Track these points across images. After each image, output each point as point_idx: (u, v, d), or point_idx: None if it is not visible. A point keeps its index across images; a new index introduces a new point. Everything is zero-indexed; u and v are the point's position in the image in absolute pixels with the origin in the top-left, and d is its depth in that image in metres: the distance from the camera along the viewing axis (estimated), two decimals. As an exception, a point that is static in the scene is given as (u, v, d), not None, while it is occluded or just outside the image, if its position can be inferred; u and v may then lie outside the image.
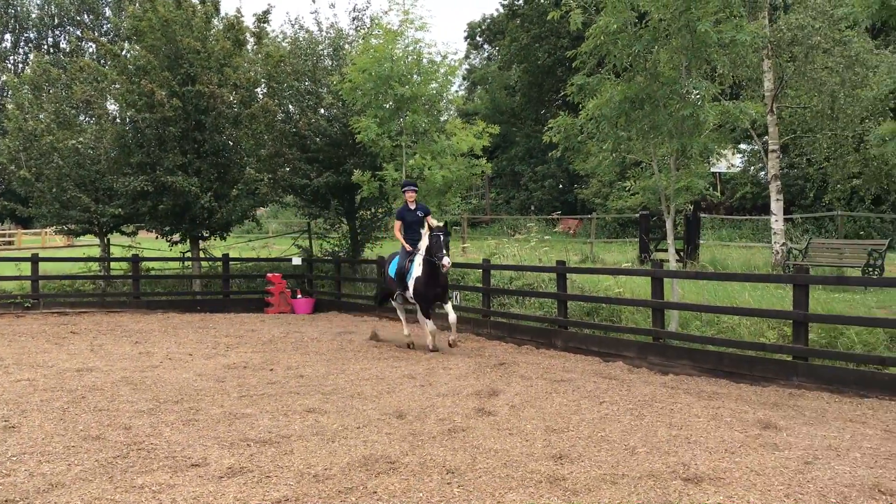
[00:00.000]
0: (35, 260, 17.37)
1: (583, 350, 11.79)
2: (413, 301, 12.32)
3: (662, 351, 10.79)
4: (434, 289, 11.86)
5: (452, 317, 12.02)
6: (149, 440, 6.84)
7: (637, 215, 22.00)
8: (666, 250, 13.96)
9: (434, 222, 11.96)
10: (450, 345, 12.03)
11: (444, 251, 11.44)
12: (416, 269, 11.96)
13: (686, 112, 11.13)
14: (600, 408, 8.17)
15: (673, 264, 12.83)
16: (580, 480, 5.78)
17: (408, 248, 12.26)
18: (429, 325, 12.19)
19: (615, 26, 11.25)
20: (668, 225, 12.55)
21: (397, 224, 12.57)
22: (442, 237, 11.53)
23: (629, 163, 14.35)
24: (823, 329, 10.48)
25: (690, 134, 11.55)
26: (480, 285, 14.62)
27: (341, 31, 21.93)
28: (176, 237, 19.73)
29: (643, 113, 11.84)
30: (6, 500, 5.32)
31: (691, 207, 16.01)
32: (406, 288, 12.22)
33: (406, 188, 12.44)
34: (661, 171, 12.21)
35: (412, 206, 12.36)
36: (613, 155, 12.54)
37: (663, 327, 11.08)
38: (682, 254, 18.74)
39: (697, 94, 11.14)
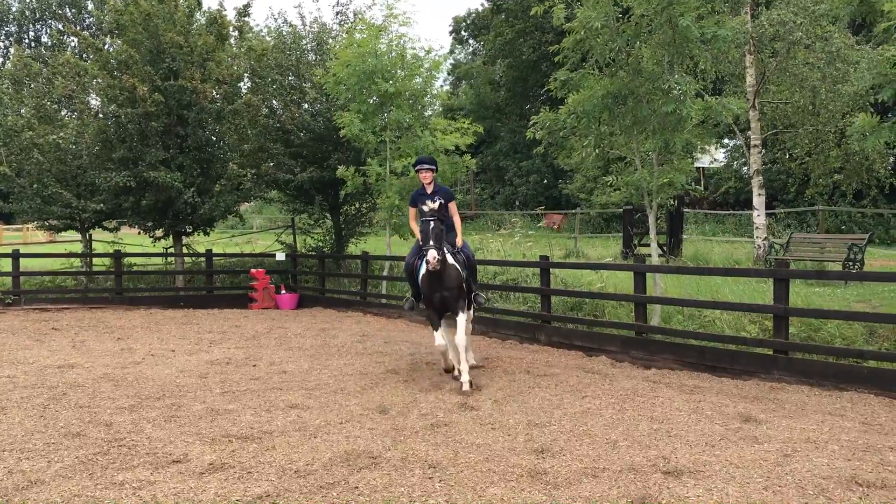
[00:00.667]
0: (16, 256, 17.23)
1: (566, 345, 11.82)
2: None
3: (645, 345, 10.84)
4: (437, 291, 9.03)
5: (459, 336, 9.11)
6: (130, 437, 6.82)
7: (621, 210, 22.10)
8: (649, 245, 14.02)
9: (430, 205, 9.03)
10: (463, 385, 8.79)
11: (432, 242, 8.67)
12: (423, 267, 9.10)
13: (669, 108, 11.16)
14: (582, 402, 8.21)
15: (655, 259, 12.89)
16: (561, 474, 5.81)
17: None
18: (436, 339, 9.23)
19: (598, 23, 11.26)
20: (651, 220, 12.60)
21: (411, 212, 10.09)
22: (432, 223, 8.78)
23: (613, 158, 14.41)
24: (804, 323, 10.57)
25: (673, 129, 11.59)
26: (464, 280, 14.61)
27: (325, 25, 21.85)
28: (159, 233, 19.61)
29: (626, 108, 11.87)
30: (-15, 498, 5.30)
31: (674, 202, 16.09)
32: (419, 292, 9.52)
33: (419, 167, 9.66)
34: (644, 166, 12.26)
35: (429, 190, 9.56)
36: (596, 150, 12.57)
37: (646, 322, 11.13)
38: (664, 248, 18.85)
39: (680, 89, 11.18)
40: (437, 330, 9.22)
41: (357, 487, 5.53)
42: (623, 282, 14.18)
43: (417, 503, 5.27)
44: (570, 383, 9.14)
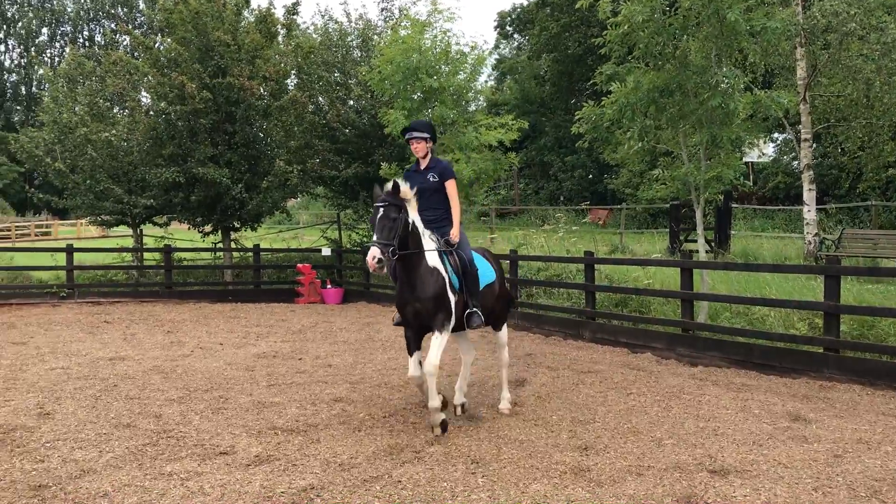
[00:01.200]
0: (70, 250, 17.64)
1: (611, 341, 11.73)
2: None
3: (691, 342, 10.70)
4: (409, 303, 6.84)
5: (429, 362, 6.64)
6: (178, 428, 6.95)
7: (667, 205, 21.84)
8: (696, 241, 13.83)
9: (386, 188, 6.74)
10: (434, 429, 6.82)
11: (376, 237, 6.48)
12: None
13: (716, 102, 10.99)
14: (627, 399, 8.14)
15: (703, 255, 12.71)
16: (605, 472, 5.77)
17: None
18: (410, 367, 7.06)
19: (641, 18, 11.13)
20: (698, 215, 12.43)
21: None
22: (381, 210, 6.55)
23: (659, 152, 14.25)
24: (855, 321, 10.33)
25: (721, 123, 11.42)
26: (508, 276, 14.58)
27: (370, 21, 21.98)
28: (207, 228, 19.94)
29: (673, 102, 11.73)
30: (39, 485, 5.44)
31: (722, 197, 15.85)
32: None
33: (409, 135, 7.44)
34: (691, 161, 12.10)
35: (423, 164, 7.46)
36: (640, 144, 12.44)
37: (692, 318, 10.99)
38: (712, 244, 18.57)
39: (728, 83, 10.99)
40: (411, 355, 7.05)
41: (400, 481, 5.57)
42: (669, 278, 14.01)
43: (460, 498, 5.28)
44: (614, 380, 9.08)
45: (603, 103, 12.20)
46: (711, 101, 11.06)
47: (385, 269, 6.49)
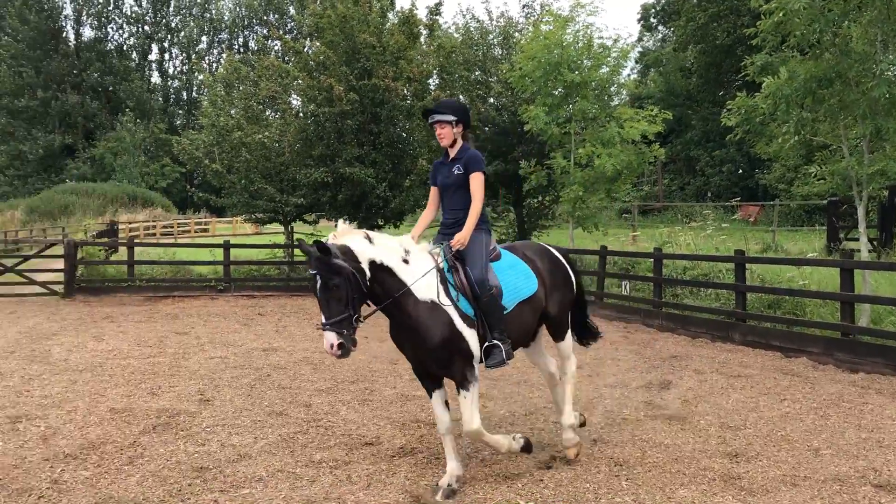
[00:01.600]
0: (226, 246, 18.62)
1: (762, 344, 11.20)
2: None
3: (851, 347, 10.05)
4: (407, 343, 5.53)
5: (469, 427, 5.39)
6: (327, 418, 7.22)
7: (825, 202, 20.64)
8: (857, 239, 12.99)
9: (333, 237, 5.55)
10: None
11: (324, 318, 4.95)
12: None
13: (880, 91, 10.28)
14: (781, 405, 7.76)
15: (865, 254, 11.93)
16: (757, 480, 5.53)
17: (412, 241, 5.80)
18: (437, 417, 5.66)
19: (800, 5, 10.54)
20: (860, 212, 11.68)
21: (431, 194, 6.24)
22: (319, 280, 4.99)
23: (817, 146, 13.50)
24: None
25: (886, 114, 10.67)
26: (651, 275, 14.22)
27: (511, 19, 22.02)
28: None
29: (832, 92, 11.06)
30: (201, 467, 5.79)
31: (887, 193, 14.80)
32: None
33: (431, 118, 5.90)
34: (852, 154, 11.37)
35: (451, 154, 5.93)
36: (796, 137, 11.81)
37: (853, 322, 10.32)
38: (875, 243, 17.39)
39: (894, 71, 10.25)
40: (431, 395, 5.68)
41: (542, 481, 5.55)
42: (826, 279, 13.23)
43: (604, 500, 5.20)
44: (766, 385, 8.67)
45: (756, 96, 11.68)
46: (875, 90, 10.34)
47: (352, 349, 4.97)
